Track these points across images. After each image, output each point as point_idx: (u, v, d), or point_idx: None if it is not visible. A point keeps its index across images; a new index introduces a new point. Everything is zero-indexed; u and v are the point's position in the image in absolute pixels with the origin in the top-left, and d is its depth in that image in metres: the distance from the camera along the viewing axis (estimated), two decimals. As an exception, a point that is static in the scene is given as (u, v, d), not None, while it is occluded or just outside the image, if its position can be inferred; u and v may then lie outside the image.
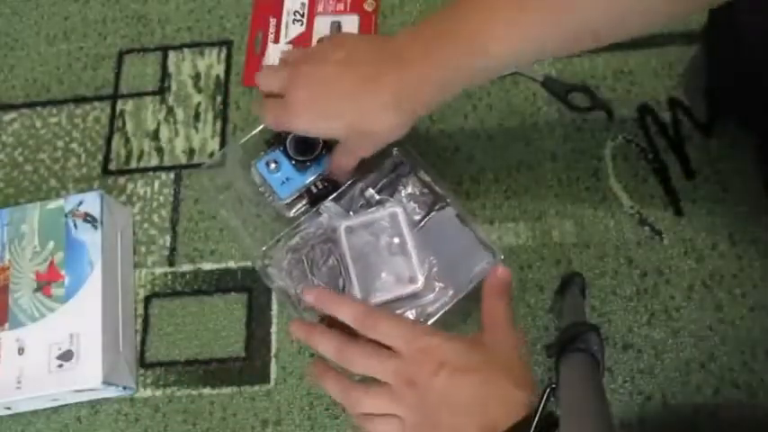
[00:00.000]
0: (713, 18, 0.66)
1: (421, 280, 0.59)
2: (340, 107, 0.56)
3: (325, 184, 0.63)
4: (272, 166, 0.63)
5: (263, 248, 0.64)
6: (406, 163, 0.64)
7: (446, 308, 0.59)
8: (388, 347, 0.52)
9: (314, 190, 0.63)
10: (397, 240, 0.60)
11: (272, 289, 0.65)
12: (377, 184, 0.64)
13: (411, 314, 0.59)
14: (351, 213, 0.62)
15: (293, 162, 0.63)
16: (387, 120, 0.55)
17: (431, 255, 0.60)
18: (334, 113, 0.56)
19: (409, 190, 0.64)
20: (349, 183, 0.63)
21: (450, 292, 0.59)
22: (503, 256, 0.60)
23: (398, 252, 0.60)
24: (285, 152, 0.63)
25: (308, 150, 0.63)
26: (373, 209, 0.62)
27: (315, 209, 0.63)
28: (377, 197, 0.63)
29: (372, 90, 0.54)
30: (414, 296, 0.59)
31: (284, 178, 0.63)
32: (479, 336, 0.54)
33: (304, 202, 0.64)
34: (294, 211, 0.64)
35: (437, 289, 0.59)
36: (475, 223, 0.62)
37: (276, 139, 0.64)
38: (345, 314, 0.54)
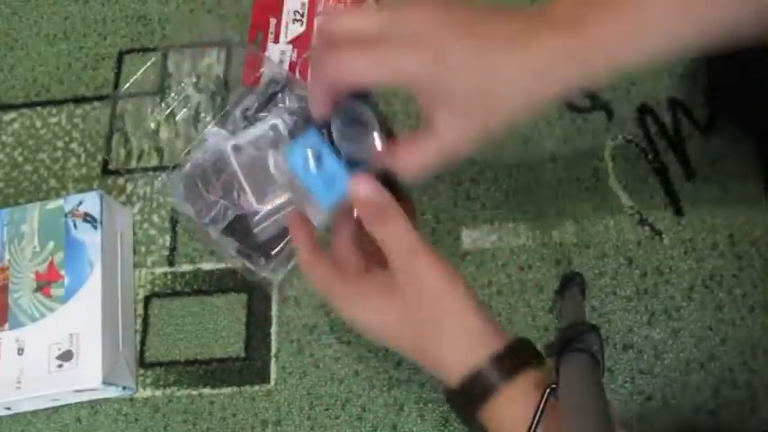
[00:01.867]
0: None
1: None
2: (477, 50, 0.39)
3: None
4: (311, 160, 0.44)
5: (159, 178, 0.70)
6: (278, 80, 0.68)
7: None
8: None
9: None
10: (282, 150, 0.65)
11: (179, 221, 0.69)
12: (255, 104, 0.68)
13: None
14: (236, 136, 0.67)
15: (342, 158, 0.43)
16: (523, 84, 0.39)
17: None
18: (465, 56, 0.39)
19: (287, 104, 0.68)
20: (229, 106, 0.68)
21: None
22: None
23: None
24: (330, 141, 0.44)
25: (357, 138, 0.44)
26: (255, 126, 0.66)
27: (200, 136, 0.67)
28: (258, 116, 0.67)
29: (523, 45, 0.39)
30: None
31: (328, 179, 0.44)
32: (389, 281, 0.42)
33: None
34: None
35: None
36: None
37: (311, 118, 0.45)
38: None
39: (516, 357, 0.41)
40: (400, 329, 0.41)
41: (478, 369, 0.40)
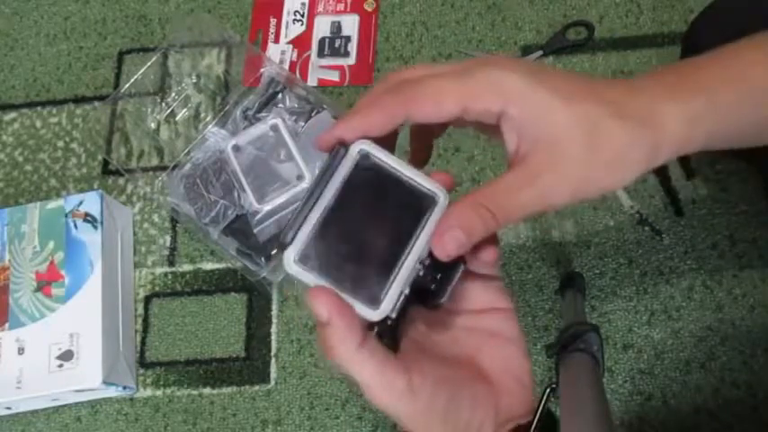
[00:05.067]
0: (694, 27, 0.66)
1: (308, 176, 0.63)
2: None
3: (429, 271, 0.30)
4: None
5: (158, 180, 0.70)
6: (278, 80, 0.69)
7: None
8: None
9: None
10: (282, 150, 0.65)
11: (179, 221, 0.69)
12: (255, 104, 0.68)
13: None
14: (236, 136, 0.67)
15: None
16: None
17: (314, 154, 0.65)
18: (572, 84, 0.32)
19: (287, 104, 0.69)
20: (229, 106, 0.69)
21: None
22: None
23: (286, 159, 0.65)
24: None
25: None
26: (255, 126, 0.67)
27: (200, 136, 0.68)
28: (258, 116, 0.68)
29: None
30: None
31: None
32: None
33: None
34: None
35: None
36: None
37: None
38: None
39: None
40: None
41: None
